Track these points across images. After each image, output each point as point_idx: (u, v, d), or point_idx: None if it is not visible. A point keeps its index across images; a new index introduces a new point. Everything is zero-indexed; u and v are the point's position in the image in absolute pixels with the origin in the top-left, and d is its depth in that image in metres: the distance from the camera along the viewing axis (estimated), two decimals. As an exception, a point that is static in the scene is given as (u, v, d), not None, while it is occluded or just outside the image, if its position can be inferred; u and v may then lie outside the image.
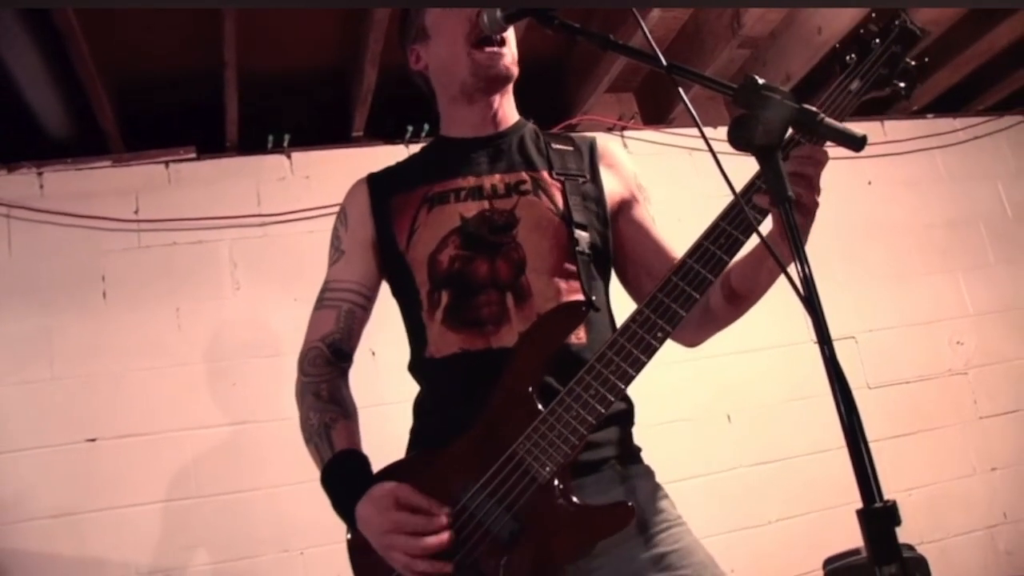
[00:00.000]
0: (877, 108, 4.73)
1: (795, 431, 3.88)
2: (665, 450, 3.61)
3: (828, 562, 3.54)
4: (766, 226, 1.43)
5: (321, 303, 1.89)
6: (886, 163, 4.60)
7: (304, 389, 1.83)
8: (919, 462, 4.12)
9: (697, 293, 1.48)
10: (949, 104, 4.86)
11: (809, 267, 1.18)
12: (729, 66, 4.06)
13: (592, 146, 1.90)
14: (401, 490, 1.56)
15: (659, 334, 1.48)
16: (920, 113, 4.84)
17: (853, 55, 1.54)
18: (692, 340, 1.84)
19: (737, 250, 1.49)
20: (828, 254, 4.26)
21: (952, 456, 4.21)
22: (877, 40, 1.54)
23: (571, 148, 1.88)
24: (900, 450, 4.09)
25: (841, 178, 4.40)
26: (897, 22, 1.54)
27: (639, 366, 1.48)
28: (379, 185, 1.91)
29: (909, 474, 4.06)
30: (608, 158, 1.90)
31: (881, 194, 4.58)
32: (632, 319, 1.50)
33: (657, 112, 4.32)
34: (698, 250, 1.50)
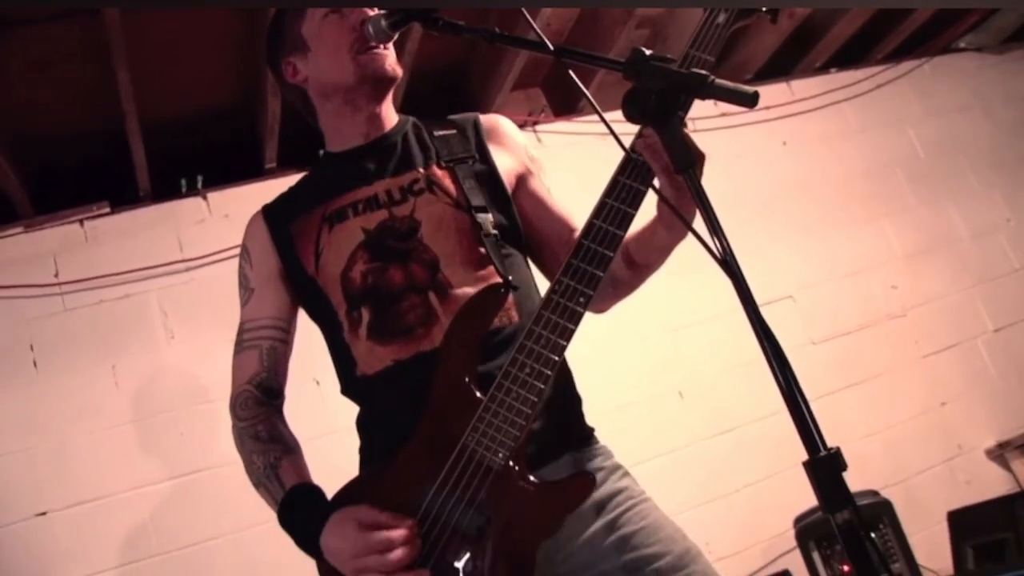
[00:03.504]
0: (781, 69, 4.80)
1: (748, 396, 3.91)
2: (622, 434, 3.61)
3: (798, 520, 3.58)
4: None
5: (241, 346, 1.86)
6: (797, 122, 4.68)
7: (242, 434, 1.80)
8: (871, 409, 4.19)
9: (609, 251, 1.48)
10: (850, 57, 4.96)
11: (722, 231, 1.18)
12: (631, 47, 4.08)
13: (476, 123, 1.88)
14: (360, 512, 1.54)
15: (581, 299, 1.48)
16: (823, 69, 4.93)
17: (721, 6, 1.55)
18: (600, 307, 1.83)
19: (640, 202, 1.49)
20: (754, 218, 4.31)
21: (902, 398, 4.29)
22: None
23: (454, 131, 1.86)
24: (852, 400, 4.15)
25: (756, 142, 4.48)
26: None
27: (568, 335, 1.48)
28: (275, 215, 1.88)
29: (863, 422, 4.13)
30: (496, 135, 1.88)
31: (797, 153, 4.66)
32: (552, 290, 1.50)
33: (566, 102, 4.34)
34: (603, 209, 1.50)
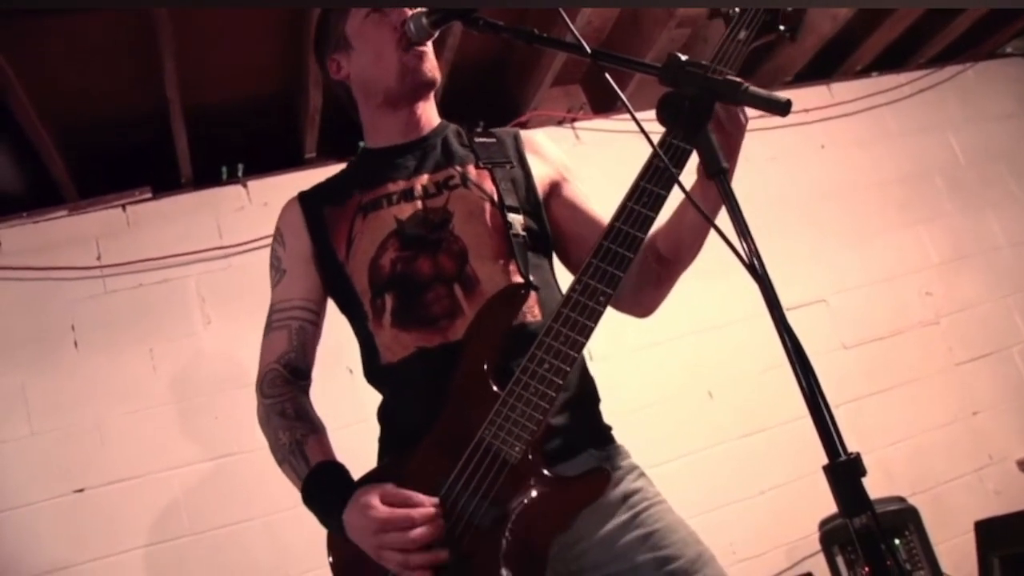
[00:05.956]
0: (822, 72, 4.77)
1: (777, 399, 3.90)
2: (651, 432, 3.65)
3: (823, 523, 3.57)
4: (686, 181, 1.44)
5: (270, 327, 1.88)
6: (836, 125, 4.65)
7: (268, 411, 1.83)
8: (902, 415, 4.17)
9: (630, 252, 1.51)
10: (892, 61, 4.92)
11: (751, 235, 1.19)
12: (671, 47, 4.08)
13: (516, 136, 1.93)
14: (384, 489, 1.57)
15: (601, 298, 1.51)
16: (864, 72, 4.89)
17: (736, 8, 1.57)
18: (643, 310, 1.86)
19: (661, 206, 1.53)
20: (790, 221, 4.31)
21: (933, 405, 4.27)
22: None
23: (494, 140, 1.90)
24: (882, 405, 4.13)
25: (794, 144, 4.46)
26: None
27: (587, 332, 1.51)
28: (311, 201, 1.91)
29: (893, 428, 4.11)
30: (532, 146, 1.92)
31: (835, 157, 4.63)
32: (572, 289, 1.54)
33: (605, 100, 4.34)
34: (624, 212, 1.53)
